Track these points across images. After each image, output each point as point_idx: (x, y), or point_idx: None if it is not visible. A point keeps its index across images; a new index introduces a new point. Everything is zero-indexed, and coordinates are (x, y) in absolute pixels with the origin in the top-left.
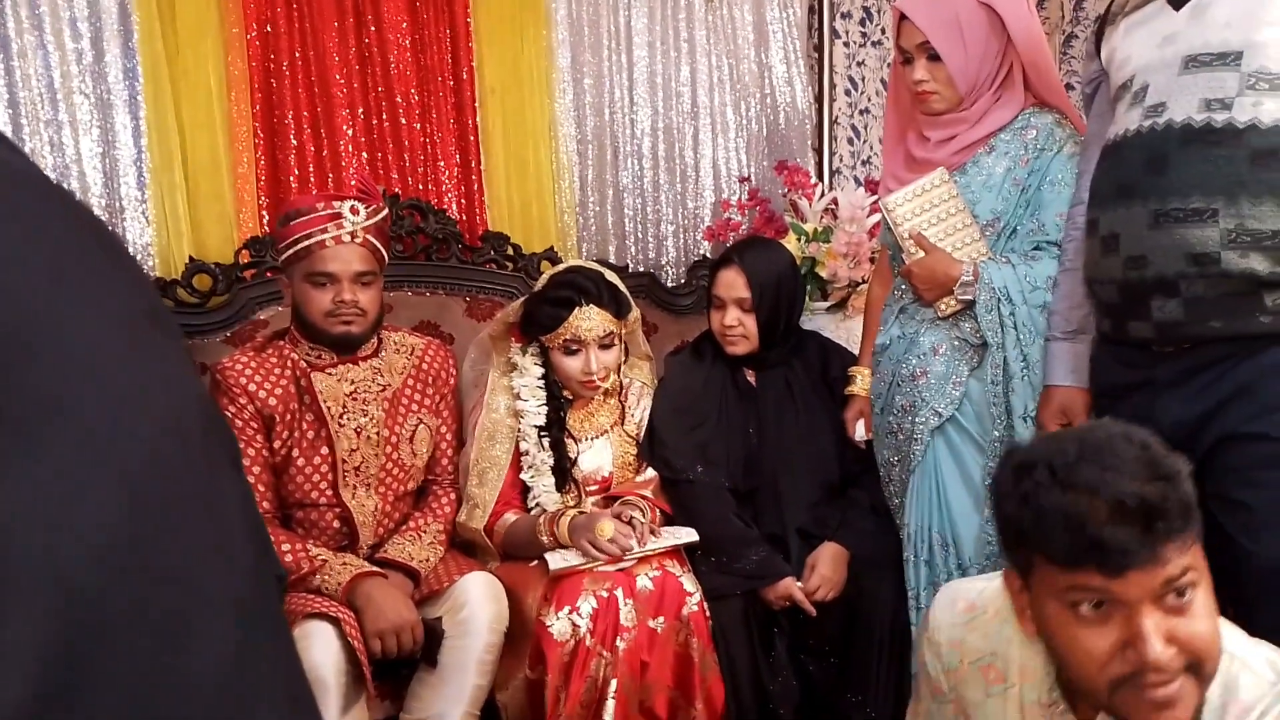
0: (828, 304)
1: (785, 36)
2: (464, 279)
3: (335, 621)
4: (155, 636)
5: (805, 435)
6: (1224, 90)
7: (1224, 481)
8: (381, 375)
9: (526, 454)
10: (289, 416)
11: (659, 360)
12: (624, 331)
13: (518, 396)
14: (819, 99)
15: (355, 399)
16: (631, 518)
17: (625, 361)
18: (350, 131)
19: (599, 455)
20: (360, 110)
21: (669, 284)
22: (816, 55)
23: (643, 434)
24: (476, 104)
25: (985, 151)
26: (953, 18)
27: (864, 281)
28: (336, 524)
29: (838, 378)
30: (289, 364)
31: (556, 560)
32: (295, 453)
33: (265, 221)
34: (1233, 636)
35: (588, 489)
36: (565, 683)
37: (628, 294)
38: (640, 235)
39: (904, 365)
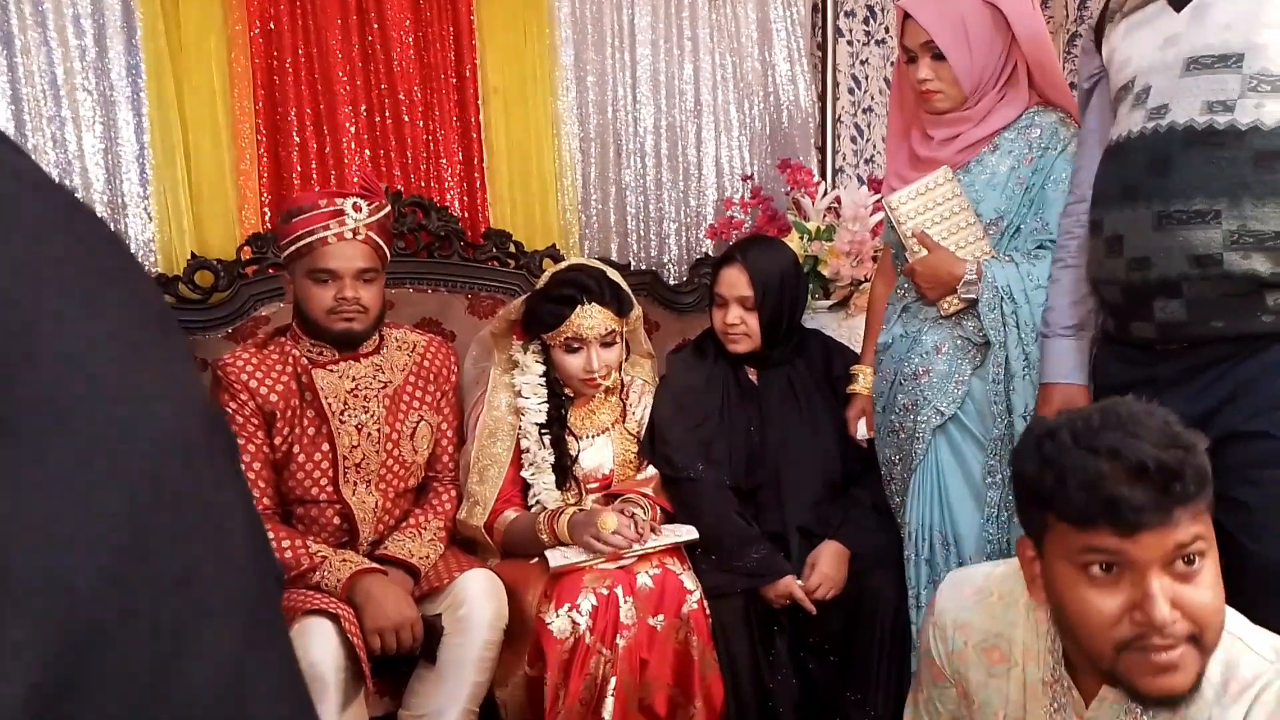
0: (830, 302)
1: (789, 35)
2: (466, 276)
3: (335, 618)
4: (155, 643)
5: (807, 434)
6: (1226, 92)
7: (1224, 480)
8: (383, 372)
9: (527, 451)
10: (290, 413)
11: (660, 358)
12: (625, 330)
13: (519, 394)
14: (822, 97)
15: (356, 396)
16: (633, 514)
17: (627, 359)
18: (353, 129)
19: (600, 453)
20: (363, 107)
21: (671, 282)
22: (820, 54)
23: (644, 432)
24: (479, 102)
25: (989, 150)
26: (957, 16)
27: (866, 280)
28: (337, 520)
29: (840, 376)
30: (290, 360)
31: (557, 558)
32: (296, 449)
33: (267, 218)
34: (1236, 620)
35: (588, 487)
36: (565, 680)
37: (629, 292)
38: (643, 233)
39: (906, 364)
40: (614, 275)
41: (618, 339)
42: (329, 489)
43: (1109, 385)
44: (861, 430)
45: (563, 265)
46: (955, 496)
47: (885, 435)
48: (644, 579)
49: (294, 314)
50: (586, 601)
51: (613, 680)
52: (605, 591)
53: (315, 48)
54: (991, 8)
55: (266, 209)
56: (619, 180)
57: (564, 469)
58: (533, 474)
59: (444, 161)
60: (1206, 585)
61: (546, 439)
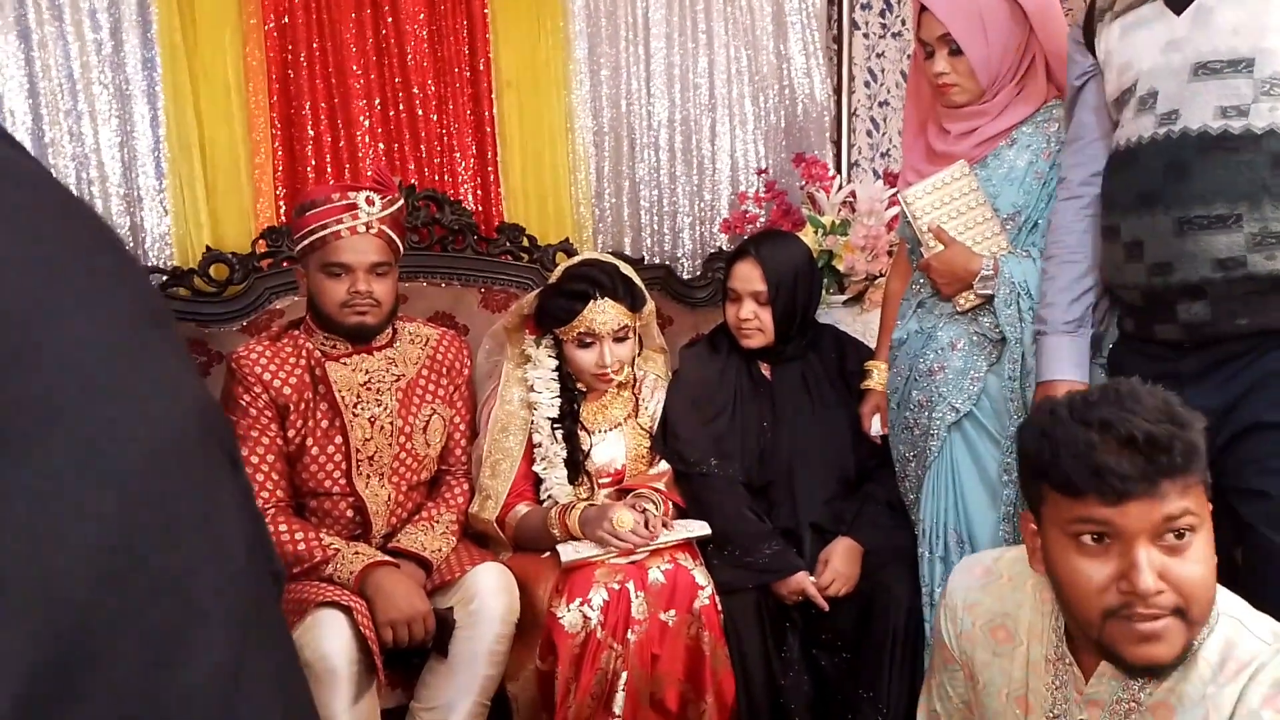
0: (845, 297)
1: (804, 28)
2: (479, 270)
3: (347, 610)
4: (147, 648)
5: (820, 429)
6: (1239, 97)
7: (1246, 471)
8: (396, 365)
9: (539, 446)
10: (303, 405)
11: (673, 353)
12: (638, 324)
13: (531, 388)
14: (838, 91)
15: (369, 389)
16: (645, 510)
17: (639, 354)
18: (367, 122)
19: (612, 448)
20: (377, 101)
21: (685, 276)
22: (835, 47)
23: (656, 427)
24: (493, 95)
25: (1007, 144)
26: (974, 9)
27: (881, 275)
28: (350, 513)
29: (854, 372)
30: (304, 353)
31: (569, 552)
32: (309, 442)
33: (282, 211)
34: (1236, 603)
35: (600, 481)
36: (576, 674)
37: (642, 287)
38: (656, 227)
39: (921, 360)
40: (627, 270)
41: (630, 334)
42: (342, 482)
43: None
44: (875, 426)
45: (576, 260)
46: (970, 494)
47: (899, 432)
48: (655, 574)
49: (307, 307)
50: (598, 596)
51: (624, 675)
52: (617, 586)
53: (329, 41)
54: (1010, 1)
55: (281, 202)
56: (633, 174)
57: (576, 464)
58: (544, 468)
59: (457, 155)
60: (1196, 560)
61: (559, 433)
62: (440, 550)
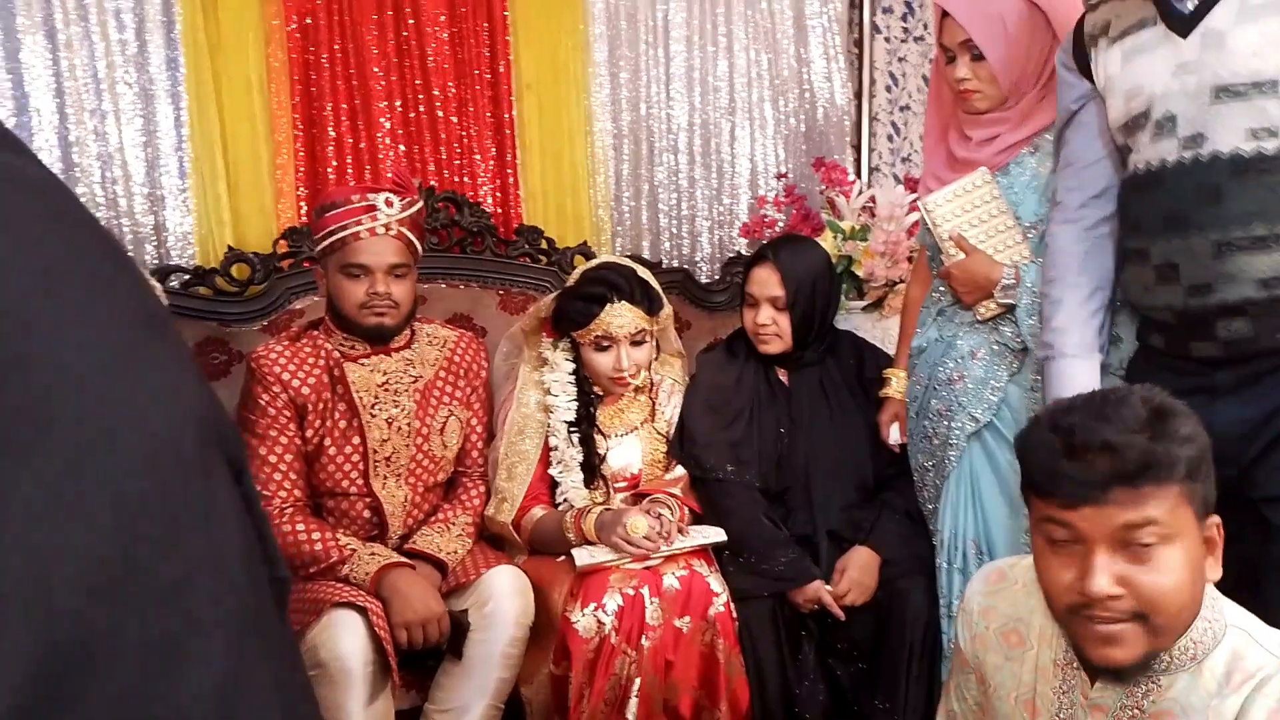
0: (864, 303)
1: (825, 31)
2: (498, 272)
3: (363, 611)
4: (144, 657)
5: (838, 436)
6: (1268, 119)
7: (1276, 480)
8: (414, 367)
9: (555, 449)
10: (321, 406)
11: (691, 357)
12: (656, 328)
13: (548, 391)
14: (858, 95)
15: (387, 390)
16: (660, 515)
17: (657, 358)
18: (388, 124)
19: (628, 452)
20: (398, 103)
21: (703, 281)
22: (857, 51)
23: (673, 432)
24: (513, 98)
25: (1029, 152)
26: (996, 15)
27: (901, 281)
28: (366, 514)
29: (872, 378)
30: (323, 354)
31: (584, 556)
32: (327, 442)
33: (303, 212)
34: (1245, 616)
35: (616, 485)
36: (589, 679)
37: (660, 291)
38: (675, 231)
39: (941, 369)
40: (644, 273)
41: (648, 338)
42: (359, 482)
43: None
44: (894, 435)
45: (593, 263)
46: (990, 505)
47: (918, 441)
48: (670, 580)
49: (326, 308)
50: (612, 601)
51: (637, 681)
52: (631, 592)
53: (351, 43)
54: (1032, 6)
55: (302, 203)
56: (651, 177)
57: (592, 467)
58: (561, 472)
59: (477, 157)
60: (1162, 570)
61: (575, 437)
62: (456, 552)
